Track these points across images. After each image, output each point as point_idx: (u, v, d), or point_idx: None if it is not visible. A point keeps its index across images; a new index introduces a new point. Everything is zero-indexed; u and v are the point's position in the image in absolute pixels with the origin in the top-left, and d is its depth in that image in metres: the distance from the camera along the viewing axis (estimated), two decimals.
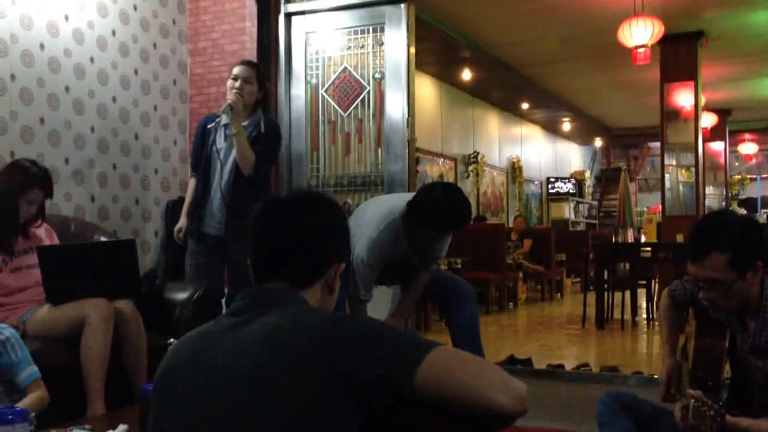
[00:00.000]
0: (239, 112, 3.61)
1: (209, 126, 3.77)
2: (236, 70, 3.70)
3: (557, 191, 14.10)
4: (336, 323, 1.21)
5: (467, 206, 3.23)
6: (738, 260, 1.85)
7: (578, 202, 14.60)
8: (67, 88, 4.27)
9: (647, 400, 2.18)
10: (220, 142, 3.71)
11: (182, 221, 3.88)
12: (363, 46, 4.94)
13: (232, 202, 3.64)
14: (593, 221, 15.11)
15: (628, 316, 6.78)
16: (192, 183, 3.90)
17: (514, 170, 12.58)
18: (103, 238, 3.85)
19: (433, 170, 9.87)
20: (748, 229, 1.91)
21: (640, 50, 6.38)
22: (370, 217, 3.33)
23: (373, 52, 4.90)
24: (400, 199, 3.34)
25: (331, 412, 1.14)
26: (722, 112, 11.47)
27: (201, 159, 3.78)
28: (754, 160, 15.51)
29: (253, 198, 3.53)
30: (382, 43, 4.85)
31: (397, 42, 4.78)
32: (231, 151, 3.68)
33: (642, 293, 7.42)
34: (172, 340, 3.23)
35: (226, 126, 3.70)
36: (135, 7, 4.76)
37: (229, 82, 3.68)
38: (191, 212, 3.81)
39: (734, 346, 2.04)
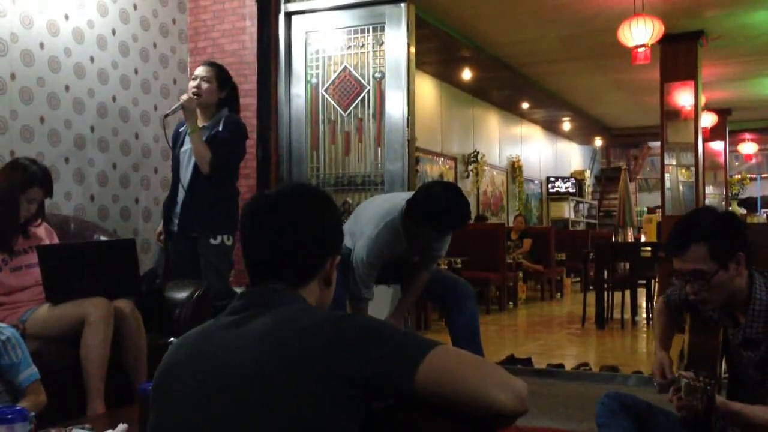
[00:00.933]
0: (193, 110, 3.70)
1: (180, 130, 3.90)
2: (196, 71, 3.82)
3: (557, 191, 14.10)
4: (335, 323, 1.20)
5: (466, 205, 3.23)
6: (718, 250, 1.91)
7: (578, 202, 14.60)
8: (67, 88, 4.27)
9: (644, 400, 2.18)
10: (187, 144, 3.81)
11: (161, 224, 4.01)
12: (363, 46, 4.94)
13: (191, 199, 3.73)
14: (593, 221, 15.11)
15: (628, 315, 6.77)
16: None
17: (514, 170, 12.57)
18: (103, 238, 3.86)
19: (433, 170, 9.86)
20: (725, 221, 1.98)
21: (640, 50, 6.37)
22: (370, 216, 3.33)
23: (373, 51, 4.90)
24: (400, 198, 3.34)
25: (331, 412, 1.14)
26: (722, 111, 11.46)
27: (174, 162, 3.91)
28: (754, 160, 15.48)
29: (214, 195, 3.65)
30: (382, 43, 4.85)
31: (397, 41, 4.78)
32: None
33: (642, 293, 7.41)
34: (172, 339, 3.22)
35: None
36: (135, 6, 4.76)
37: (190, 83, 3.80)
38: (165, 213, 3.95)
39: (728, 342, 2.07)
